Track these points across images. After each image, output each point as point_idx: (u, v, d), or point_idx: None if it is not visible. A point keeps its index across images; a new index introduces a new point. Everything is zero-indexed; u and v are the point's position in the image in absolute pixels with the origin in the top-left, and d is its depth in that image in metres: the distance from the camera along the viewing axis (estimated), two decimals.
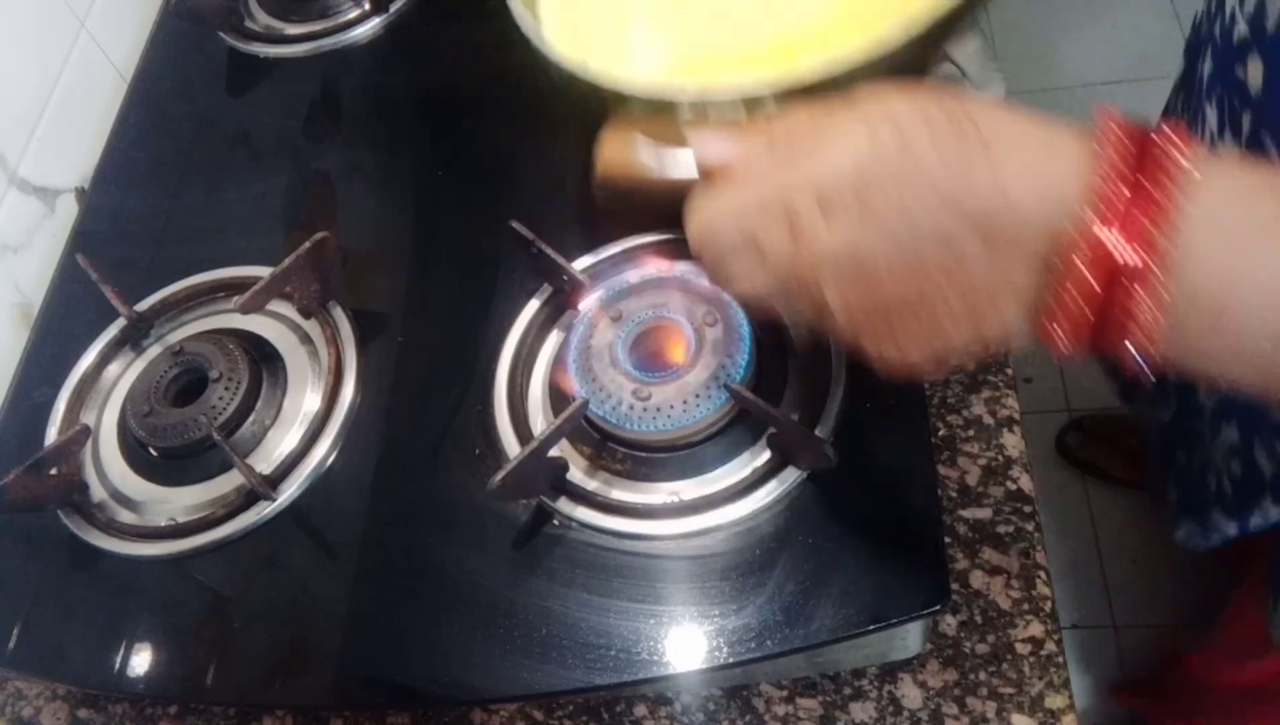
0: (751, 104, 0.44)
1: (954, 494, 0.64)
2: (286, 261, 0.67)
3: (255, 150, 0.86)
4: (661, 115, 0.46)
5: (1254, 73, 0.55)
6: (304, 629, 0.61)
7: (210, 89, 0.93)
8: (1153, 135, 0.32)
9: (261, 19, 0.95)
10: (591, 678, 0.58)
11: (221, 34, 0.93)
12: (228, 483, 0.66)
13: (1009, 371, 0.68)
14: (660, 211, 0.39)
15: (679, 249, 0.66)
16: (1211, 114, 0.61)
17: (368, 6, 0.90)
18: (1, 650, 0.64)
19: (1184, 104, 0.69)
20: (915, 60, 0.46)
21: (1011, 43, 1.97)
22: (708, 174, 0.38)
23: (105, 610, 0.65)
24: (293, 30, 0.92)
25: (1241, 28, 0.56)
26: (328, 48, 0.90)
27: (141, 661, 0.62)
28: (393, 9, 0.89)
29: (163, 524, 0.66)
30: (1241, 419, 0.67)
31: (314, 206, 0.80)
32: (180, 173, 0.87)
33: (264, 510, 0.64)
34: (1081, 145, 0.33)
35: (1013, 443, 0.65)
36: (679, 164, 0.39)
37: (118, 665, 0.61)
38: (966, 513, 0.64)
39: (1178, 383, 0.77)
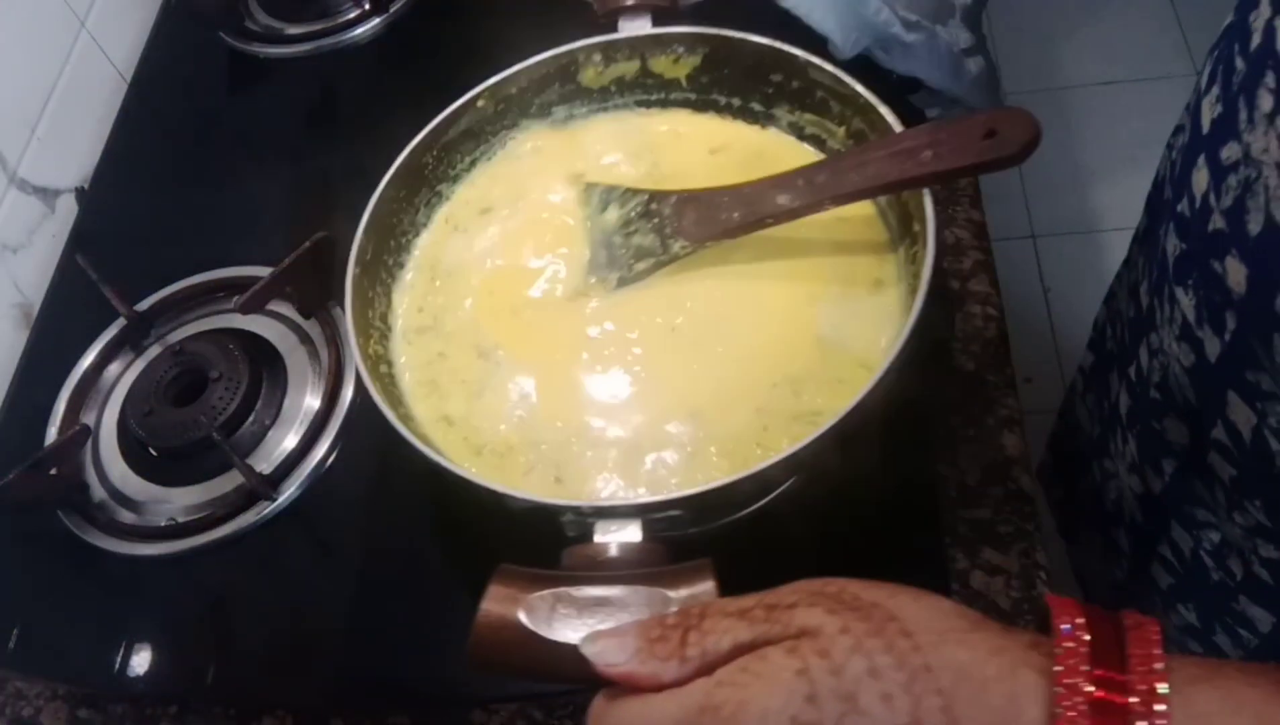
0: (649, 511, 0.44)
1: (954, 494, 0.64)
2: (286, 261, 0.67)
3: (255, 150, 0.86)
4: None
5: (1235, 273, 0.50)
6: (304, 629, 0.61)
7: (210, 89, 0.93)
8: (1123, 676, 0.30)
9: (261, 19, 0.95)
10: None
11: (221, 34, 0.93)
12: (228, 483, 0.66)
13: (1009, 371, 0.68)
14: (544, 677, 0.39)
15: None
16: (1186, 302, 0.55)
17: (368, 6, 0.90)
18: (1, 650, 0.64)
19: (1147, 270, 0.62)
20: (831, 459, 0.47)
21: (1012, 43, 1.97)
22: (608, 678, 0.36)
23: (105, 610, 0.65)
24: (293, 30, 0.92)
25: (1217, 221, 0.51)
26: (328, 48, 0.90)
27: (141, 661, 0.62)
28: (393, 9, 0.89)
29: (163, 524, 0.66)
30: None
31: (314, 206, 0.80)
32: (180, 173, 0.87)
33: (264, 510, 0.64)
34: (1046, 682, 0.31)
35: (1013, 443, 0.65)
36: (569, 627, 0.38)
37: (118, 665, 0.61)
38: (966, 513, 0.63)
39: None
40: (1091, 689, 0.30)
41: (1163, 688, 0.30)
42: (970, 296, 0.72)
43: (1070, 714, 0.30)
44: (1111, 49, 1.94)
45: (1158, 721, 0.29)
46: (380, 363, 0.57)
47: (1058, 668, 0.31)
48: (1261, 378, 0.51)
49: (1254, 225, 0.49)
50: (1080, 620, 0.32)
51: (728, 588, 0.54)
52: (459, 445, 0.55)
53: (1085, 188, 1.79)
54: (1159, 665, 0.30)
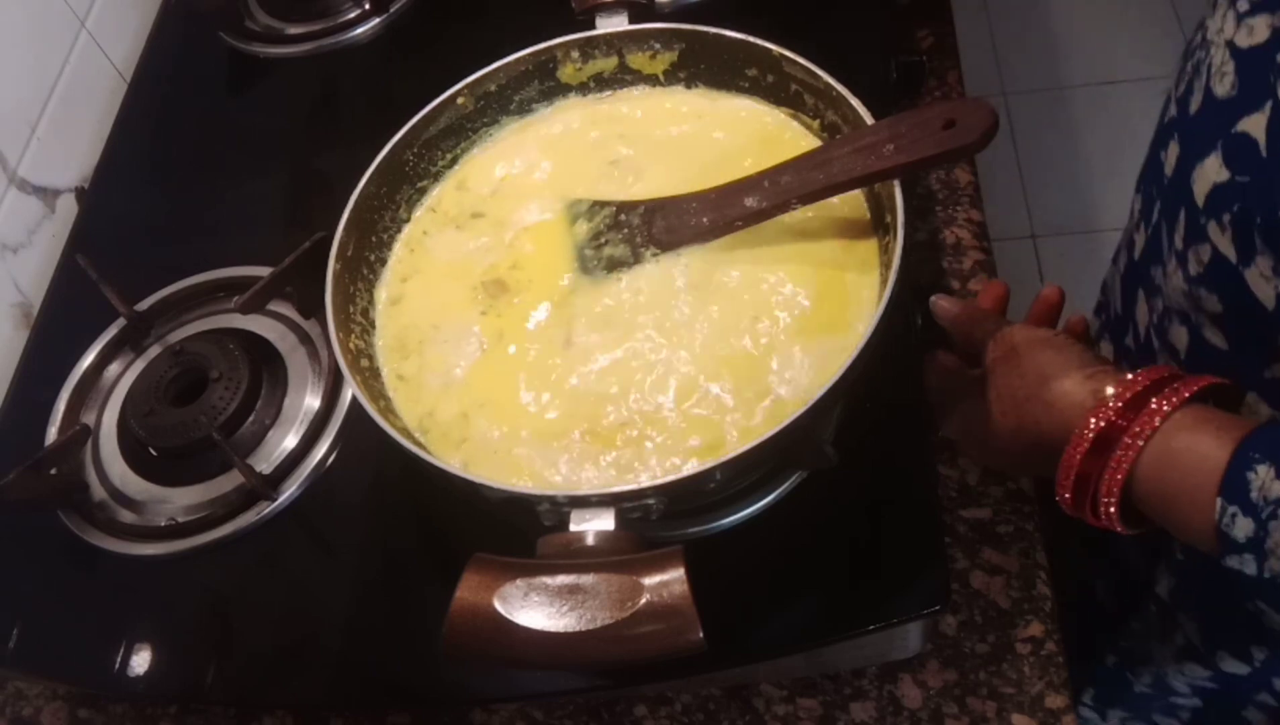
0: (623, 500, 0.45)
1: (954, 494, 0.64)
2: (286, 261, 0.67)
3: (255, 150, 0.86)
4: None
5: (1171, 156, 0.55)
6: (304, 629, 0.61)
7: (210, 89, 0.93)
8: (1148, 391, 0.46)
9: (261, 19, 0.95)
10: (591, 678, 0.58)
11: (221, 34, 0.93)
12: (228, 483, 0.66)
13: None
14: (514, 664, 0.41)
15: None
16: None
17: (368, 6, 0.90)
18: (1, 650, 0.64)
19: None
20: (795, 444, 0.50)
21: (1012, 43, 1.97)
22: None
23: (105, 610, 0.65)
24: (293, 30, 0.92)
25: (1171, 109, 0.55)
26: (328, 48, 0.90)
27: (141, 661, 0.62)
28: (393, 9, 0.89)
29: (163, 524, 0.66)
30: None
31: (314, 206, 0.80)
32: (180, 173, 0.87)
33: (264, 510, 0.64)
34: (1101, 389, 0.48)
35: None
36: (542, 614, 0.40)
37: (118, 665, 0.61)
38: (966, 513, 0.64)
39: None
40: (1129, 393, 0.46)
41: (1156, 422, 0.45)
42: (970, 297, 0.72)
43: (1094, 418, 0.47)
44: (1111, 49, 1.94)
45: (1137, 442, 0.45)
46: (361, 357, 0.57)
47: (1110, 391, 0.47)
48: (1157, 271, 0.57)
49: (1194, 105, 0.52)
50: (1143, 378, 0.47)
51: (727, 585, 0.54)
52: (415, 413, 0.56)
53: (1085, 188, 1.79)
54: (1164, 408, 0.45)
